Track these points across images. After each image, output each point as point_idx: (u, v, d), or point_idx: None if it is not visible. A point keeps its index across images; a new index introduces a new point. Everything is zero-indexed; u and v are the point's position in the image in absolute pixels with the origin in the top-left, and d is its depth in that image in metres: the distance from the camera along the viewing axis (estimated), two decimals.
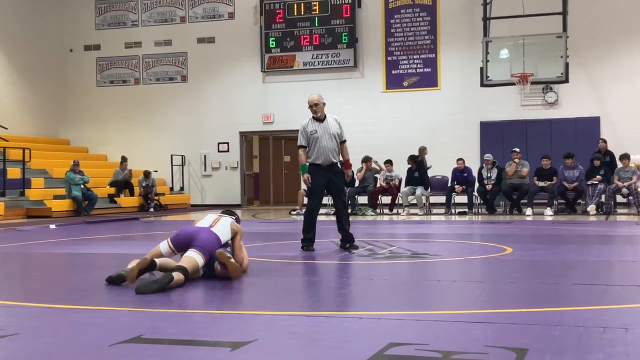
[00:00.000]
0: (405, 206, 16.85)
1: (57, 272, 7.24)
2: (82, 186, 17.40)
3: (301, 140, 8.32)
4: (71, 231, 12.48)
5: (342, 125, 8.49)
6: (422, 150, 17.52)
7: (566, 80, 16.63)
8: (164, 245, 5.86)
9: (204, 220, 6.14)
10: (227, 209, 6.54)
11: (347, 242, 8.36)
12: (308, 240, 8.31)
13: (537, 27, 17.05)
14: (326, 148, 8.22)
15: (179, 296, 5.19)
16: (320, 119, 8.32)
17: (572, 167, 15.91)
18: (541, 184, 15.89)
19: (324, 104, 8.38)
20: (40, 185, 17.99)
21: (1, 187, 16.60)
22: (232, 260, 5.70)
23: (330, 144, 8.25)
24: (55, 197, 17.43)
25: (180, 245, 5.81)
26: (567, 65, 16.30)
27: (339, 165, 8.51)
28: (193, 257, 5.62)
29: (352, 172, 9.09)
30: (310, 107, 8.34)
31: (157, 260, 5.64)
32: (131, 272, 5.46)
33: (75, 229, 13.19)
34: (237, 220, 6.33)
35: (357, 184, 17.41)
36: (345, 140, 8.49)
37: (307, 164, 8.30)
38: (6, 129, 18.91)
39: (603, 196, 15.62)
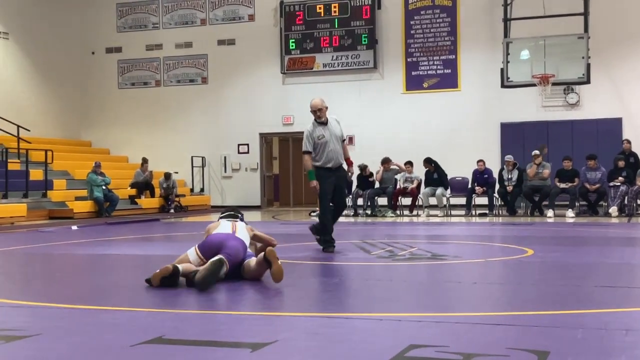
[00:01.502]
0: (425, 207, 16.82)
1: (79, 273, 7.29)
2: (103, 187, 17.53)
3: (307, 146, 8.29)
4: (93, 232, 12.57)
5: (341, 124, 8.52)
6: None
7: (588, 81, 16.51)
8: (192, 254, 5.86)
9: (222, 227, 6.15)
10: (231, 211, 6.56)
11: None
12: (327, 242, 8.36)
13: (558, 27, 16.95)
14: (334, 151, 8.29)
15: (200, 297, 5.22)
16: (324, 122, 8.33)
17: (595, 168, 15.80)
18: (562, 185, 15.79)
19: (327, 107, 8.38)
20: (62, 187, 18.14)
21: (24, 188, 16.76)
22: (280, 262, 5.63)
23: (337, 147, 8.32)
24: (77, 199, 17.57)
25: (209, 253, 5.77)
26: (588, 66, 16.18)
27: (344, 167, 8.56)
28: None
29: (352, 171, 9.13)
30: (314, 112, 8.31)
31: (180, 267, 5.63)
32: (155, 278, 5.50)
33: (97, 230, 13.28)
34: (242, 218, 6.44)
35: (376, 185, 17.41)
36: (345, 140, 8.54)
37: (314, 169, 8.30)
38: (29, 130, 19.08)
39: (625, 198, 15.50)
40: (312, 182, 8.29)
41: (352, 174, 9.12)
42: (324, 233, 8.39)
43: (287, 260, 7.37)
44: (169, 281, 5.50)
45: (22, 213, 15.52)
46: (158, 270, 5.54)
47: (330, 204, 8.43)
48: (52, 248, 9.59)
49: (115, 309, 4.70)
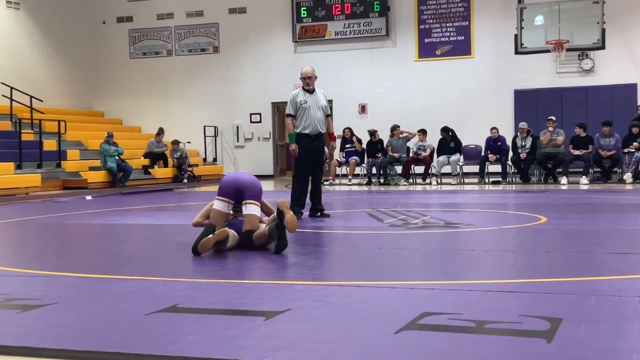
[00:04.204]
0: (439, 175, 16.77)
1: (93, 242, 7.34)
2: (116, 157, 17.59)
3: (290, 110, 8.66)
4: (107, 202, 12.64)
5: (327, 99, 8.92)
6: None
7: (602, 47, 16.34)
8: (220, 204, 5.92)
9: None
10: None
11: (318, 212, 8.70)
12: (301, 206, 8.62)
13: None
14: (315, 118, 8.60)
15: (214, 266, 5.25)
16: (310, 91, 8.66)
17: (609, 135, 15.68)
18: (576, 152, 15.70)
19: (316, 77, 8.77)
20: (75, 157, 18.21)
21: (38, 159, 16.84)
22: (292, 213, 5.72)
23: (318, 115, 8.64)
24: (91, 169, 17.65)
25: (231, 193, 5.91)
26: (603, 31, 16.00)
27: (323, 136, 8.84)
28: (255, 215, 5.84)
29: (334, 145, 9.59)
30: (303, 79, 8.68)
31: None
32: (207, 241, 5.47)
33: (111, 200, 13.35)
34: None
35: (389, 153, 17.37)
36: (330, 115, 8.91)
37: (295, 133, 8.62)
38: (41, 101, 19.12)
39: None
40: (292, 145, 8.63)
41: (334, 148, 9.71)
42: (298, 197, 8.61)
43: (299, 229, 7.38)
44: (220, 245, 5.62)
45: (37, 183, 15.61)
46: (212, 235, 5.52)
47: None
48: (66, 218, 9.65)
49: (130, 278, 4.73)
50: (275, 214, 5.74)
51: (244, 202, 5.90)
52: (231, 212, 6.00)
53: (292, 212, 5.68)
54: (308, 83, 8.65)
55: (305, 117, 8.58)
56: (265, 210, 6.21)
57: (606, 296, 3.86)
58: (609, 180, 15.56)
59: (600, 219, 8.27)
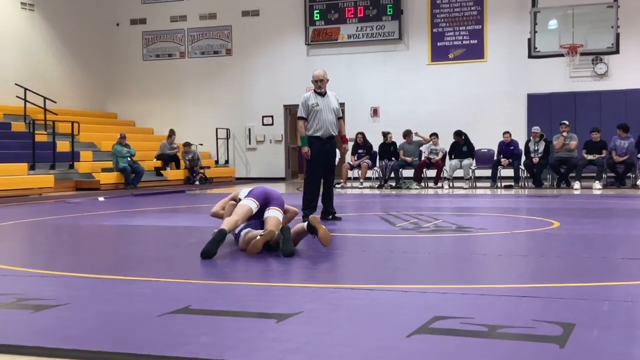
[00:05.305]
0: (451, 178, 16.73)
1: (106, 243, 7.37)
2: (128, 159, 17.65)
3: (302, 112, 8.72)
4: (119, 203, 12.67)
5: (339, 101, 8.98)
6: None
7: (617, 51, 16.26)
8: (251, 203, 6.09)
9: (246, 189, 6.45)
10: None
11: (330, 214, 8.70)
12: (312, 208, 8.64)
13: None
14: (327, 121, 8.62)
15: (226, 268, 5.26)
16: (322, 93, 8.69)
17: (624, 137, 15.59)
18: (590, 157, 15.63)
19: (328, 80, 8.80)
20: (88, 158, 18.28)
21: (51, 160, 16.92)
22: (324, 227, 5.86)
23: (330, 117, 8.66)
24: (104, 170, 17.72)
25: (260, 200, 6.16)
26: (617, 35, 15.93)
27: (335, 139, 8.86)
28: (277, 218, 6.04)
29: (347, 148, 9.57)
30: (315, 82, 8.72)
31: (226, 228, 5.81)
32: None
33: (123, 201, 13.39)
34: None
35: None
36: (342, 117, 8.94)
37: (306, 136, 8.66)
38: (55, 102, 19.21)
39: None
40: (304, 147, 8.67)
41: (347, 150, 9.62)
42: (310, 200, 8.64)
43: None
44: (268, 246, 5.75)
45: (50, 184, 15.69)
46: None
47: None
48: (79, 219, 9.69)
49: (142, 279, 4.75)
50: (306, 228, 5.87)
51: (269, 207, 6.12)
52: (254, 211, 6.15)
53: (324, 228, 5.82)
54: (320, 86, 8.66)
55: (317, 119, 8.60)
56: (285, 221, 6.36)
57: (619, 301, 3.84)
58: (623, 185, 15.48)
59: (614, 224, 8.23)
